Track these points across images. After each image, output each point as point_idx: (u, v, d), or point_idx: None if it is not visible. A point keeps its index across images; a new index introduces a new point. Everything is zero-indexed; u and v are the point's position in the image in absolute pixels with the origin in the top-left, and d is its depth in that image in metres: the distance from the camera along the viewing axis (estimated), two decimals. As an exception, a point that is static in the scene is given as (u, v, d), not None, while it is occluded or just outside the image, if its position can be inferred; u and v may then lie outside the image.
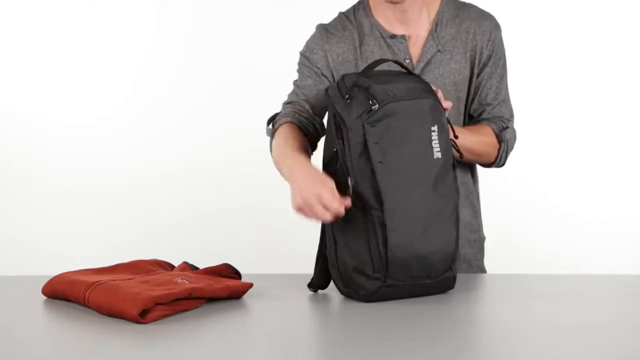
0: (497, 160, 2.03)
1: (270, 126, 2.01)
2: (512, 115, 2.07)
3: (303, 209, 1.69)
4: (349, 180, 1.68)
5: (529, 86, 3.54)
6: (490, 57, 2.03)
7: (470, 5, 2.05)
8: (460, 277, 1.88)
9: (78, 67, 3.55)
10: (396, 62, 1.82)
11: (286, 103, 2.03)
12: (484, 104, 2.04)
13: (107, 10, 3.55)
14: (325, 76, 2.01)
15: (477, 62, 2.02)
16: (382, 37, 1.99)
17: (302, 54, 2.05)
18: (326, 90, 1.77)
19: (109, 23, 3.56)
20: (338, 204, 1.66)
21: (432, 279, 1.71)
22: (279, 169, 1.88)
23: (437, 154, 1.70)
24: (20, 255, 3.47)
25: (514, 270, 2.22)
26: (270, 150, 1.97)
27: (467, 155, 1.91)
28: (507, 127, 2.05)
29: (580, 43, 3.60)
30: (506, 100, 2.07)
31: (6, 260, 3.44)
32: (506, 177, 3.12)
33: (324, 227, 1.77)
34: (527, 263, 3.31)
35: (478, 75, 2.03)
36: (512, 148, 2.07)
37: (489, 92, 2.04)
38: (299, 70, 2.06)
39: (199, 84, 3.55)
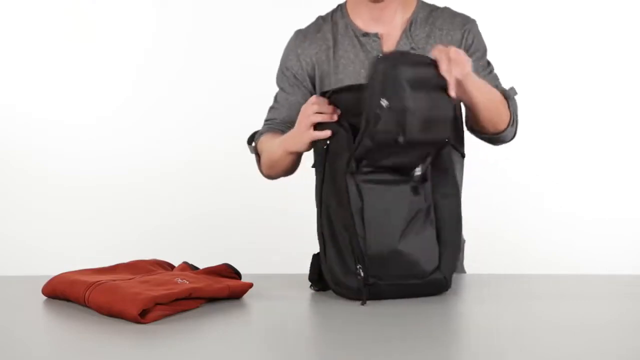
0: (511, 121, 1.97)
1: (254, 144, 2.11)
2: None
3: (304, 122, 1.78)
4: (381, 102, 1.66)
5: (528, 87, 3.54)
6: (469, 47, 2.04)
7: (444, 7, 2.09)
8: (460, 277, 1.89)
9: (78, 67, 3.55)
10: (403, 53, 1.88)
11: (265, 120, 2.13)
12: None
13: (107, 10, 3.55)
14: (300, 82, 2.08)
15: None
16: (356, 35, 2.03)
17: (279, 65, 2.13)
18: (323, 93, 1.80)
19: (109, 23, 3.56)
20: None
21: (419, 280, 1.71)
22: (271, 160, 2.01)
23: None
24: (20, 255, 3.47)
25: (514, 270, 2.22)
26: (259, 167, 2.11)
27: (487, 106, 1.88)
28: (511, 88, 2.02)
29: (579, 43, 3.60)
30: (499, 85, 2.06)
31: (6, 260, 3.44)
32: (506, 177, 3.13)
33: (320, 226, 1.78)
34: (527, 263, 3.31)
35: None
36: (517, 113, 2.03)
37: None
38: (277, 83, 2.13)
39: (199, 84, 3.55)
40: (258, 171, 2.14)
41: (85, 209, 3.54)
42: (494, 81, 2.05)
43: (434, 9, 2.07)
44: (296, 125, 1.83)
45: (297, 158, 1.97)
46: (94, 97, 3.56)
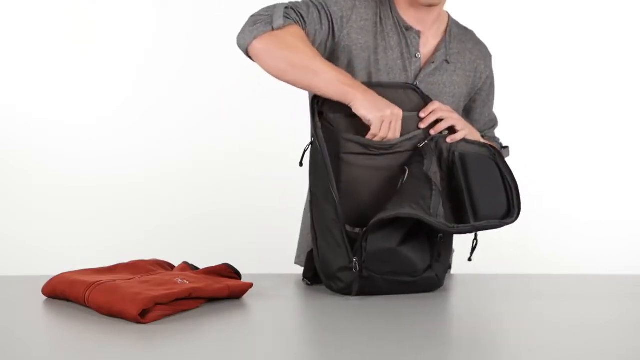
0: None
1: (280, 19, 1.86)
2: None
3: (389, 124, 1.78)
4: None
5: (526, 89, 3.55)
6: (486, 83, 2.10)
7: (470, 30, 2.13)
8: (460, 276, 1.89)
9: (78, 67, 3.55)
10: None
11: (296, 9, 1.90)
12: (479, 127, 2.13)
13: (107, 10, 3.55)
14: (333, 23, 1.92)
15: (475, 84, 2.08)
16: (399, 25, 1.98)
17: None
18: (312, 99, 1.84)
19: (109, 23, 3.55)
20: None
21: (412, 277, 1.72)
22: (303, 62, 1.82)
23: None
24: (20, 255, 3.47)
25: (514, 270, 2.23)
26: (256, 34, 1.86)
27: None
28: (505, 147, 2.15)
29: (578, 46, 3.61)
30: (494, 119, 2.20)
31: (6, 260, 3.44)
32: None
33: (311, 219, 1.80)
34: (527, 263, 3.32)
35: (472, 98, 2.11)
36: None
37: (486, 119, 2.16)
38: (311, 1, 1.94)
39: (199, 84, 3.55)
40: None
41: (85, 209, 3.54)
42: (493, 116, 2.19)
43: (463, 28, 2.10)
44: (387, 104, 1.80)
45: (308, 87, 1.86)
46: (94, 97, 3.56)
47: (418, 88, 1.86)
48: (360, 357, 1.33)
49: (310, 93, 1.94)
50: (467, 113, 2.12)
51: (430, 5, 1.96)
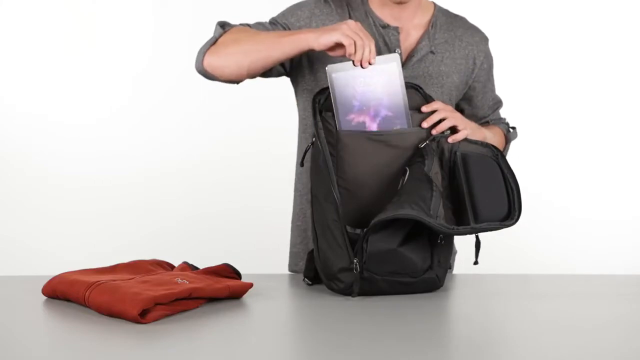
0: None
1: (219, 29, 1.94)
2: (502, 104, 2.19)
3: (357, 34, 1.74)
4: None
5: (527, 87, 3.55)
6: (483, 69, 2.08)
7: (461, 17, 2.10)
8: (460, 276, 1.89)
9: (78, 68, 3.55)
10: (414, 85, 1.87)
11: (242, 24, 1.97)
12: (484, 112, 2.13)
13: (107, 11, 3.55)
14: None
15: (469, 71, 2.06)
16: (375, 25, 1.98)
17: (287, 9, 2.00)
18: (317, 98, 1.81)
19: (109, 24, 3.56)
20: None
21: (412, 278, 1.72)
22: (251, 47, 1.86)
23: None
24: (20, 255, 3.47)
25: (514, 270, 2.23)
26: (204, 52, 1.94)
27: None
28: (514, 128, 2.14)
29: (578, 47, 3.61)
30: (498, 101, 2.17)
31: (6, 260, 3.44)
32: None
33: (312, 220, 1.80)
34: (527, 263, 3.32)
35: (471, 86, 2.09)
36: (511, 142, 2.17)
37: (489, 103, 2.14)
38: (276, 18, 2.00)
39: (199, 85, 3.54)
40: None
41: (85, 209, 3.55)
42: (496, 97, 2.15)
43: (452, 16, 2.08)
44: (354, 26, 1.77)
45: (264, 62, 1.87)
46: (94, 98, 3.56)
47: (421, 88, 1.85)
48: (360, 357, 1.33)
49: (310, 94, 1.94)
50: (468, 101, 2.10)
51: (400, 3, 1.96)
